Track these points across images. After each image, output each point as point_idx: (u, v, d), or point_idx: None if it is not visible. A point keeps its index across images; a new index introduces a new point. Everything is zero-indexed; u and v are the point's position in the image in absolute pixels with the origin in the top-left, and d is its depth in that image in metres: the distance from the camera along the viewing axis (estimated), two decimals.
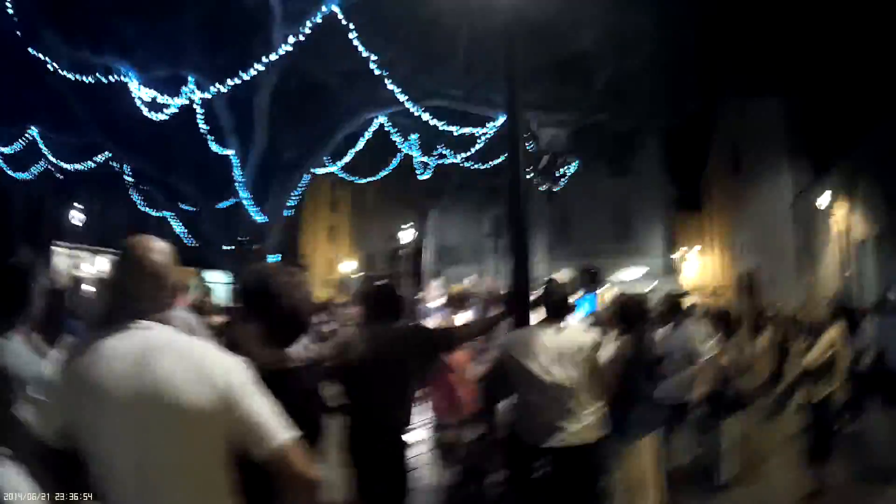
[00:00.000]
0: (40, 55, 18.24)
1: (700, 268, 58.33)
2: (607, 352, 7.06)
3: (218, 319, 9.58)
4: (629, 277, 43.65)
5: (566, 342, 5.25)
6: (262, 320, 3.06)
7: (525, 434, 5.47)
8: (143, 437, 2.35)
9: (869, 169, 26.07)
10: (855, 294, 27.37)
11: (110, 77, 19.28)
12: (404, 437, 5.36)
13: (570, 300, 5.56)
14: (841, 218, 29.12)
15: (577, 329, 5.48)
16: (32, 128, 24.31)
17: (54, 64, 18.52)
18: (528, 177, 7.10)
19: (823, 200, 29.43)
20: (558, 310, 5.44)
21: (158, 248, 2.71)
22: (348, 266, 57.60)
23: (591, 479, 5.51)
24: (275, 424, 2.42)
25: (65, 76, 18.95)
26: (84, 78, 19.13)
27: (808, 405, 7.52)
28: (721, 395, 7.84)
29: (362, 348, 5.06)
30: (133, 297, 2.59)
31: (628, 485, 6.05)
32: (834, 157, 29.67)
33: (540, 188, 8.32)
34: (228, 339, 3.34)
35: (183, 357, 2.43)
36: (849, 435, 9.81)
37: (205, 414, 2.37)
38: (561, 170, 7.63)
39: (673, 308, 8.27)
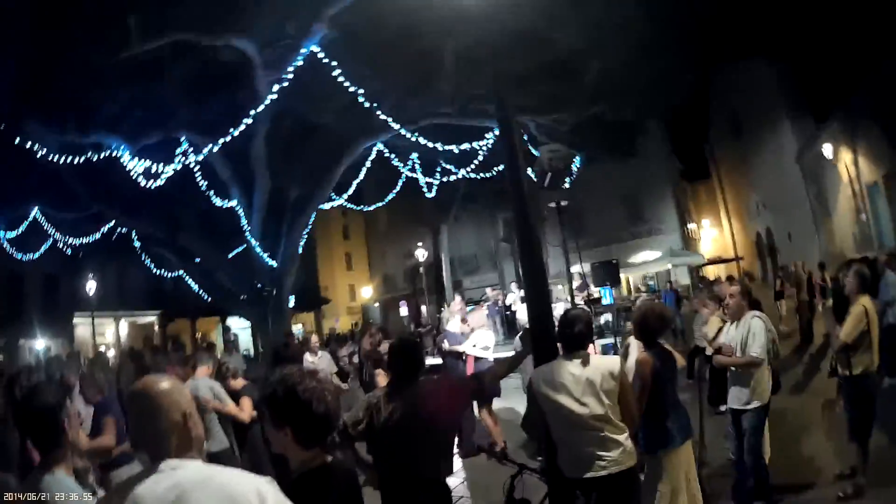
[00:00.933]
0: (27, 144, 18.20)
1: (717, 237, 58.12)
2: (633, 358, 7.10)
3: (241, 383, 9.65)
4: (647, 259, 43.62)
5: (592, 371, 5.25)
6: (294, 426, 3.17)
7: (565, 467, 5.51)
8: None
9: (867, 113, 25.99)
10: (874, 236, 27.44)
11: (101, 154, 19.28)
12: (447, 485, 5.45)
13: (588, 328, 5.49)
14: (847, 164, 29.06)
15: (600, 357, 5.48)
16: (34, 209, 24.44)
17: (43, 150, 18.50)
18: (532, 184, 6.95)
19: (827, 150, 29.32)
20: (578, 341, 5.41)
21: (162, 391, 2.74)
22: (368, 291, 57.85)
23: (635, 501, 5.54)
24: None
25: (56, 160, 18.97)
26: (75, 158, 19.15)
27: (846, 378, 7.41)
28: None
29: (393, 410, 5.14)
30: (151, 442, 2.66)
31: (670, 492, 6.09)
32: (832, 105, 29.57)
33: (549, 204, 8.32)
34: (265, 440, 3.46)
35: (215, 494, 2.48)
36: (885, 391, 9.71)
37: None
38: (566, 179, 7.61)
39: (750, 298, 8.06)
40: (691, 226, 54.11)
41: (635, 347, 8.04)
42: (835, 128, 29.62)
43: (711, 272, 45.86)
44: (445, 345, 13.04)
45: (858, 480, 7.13)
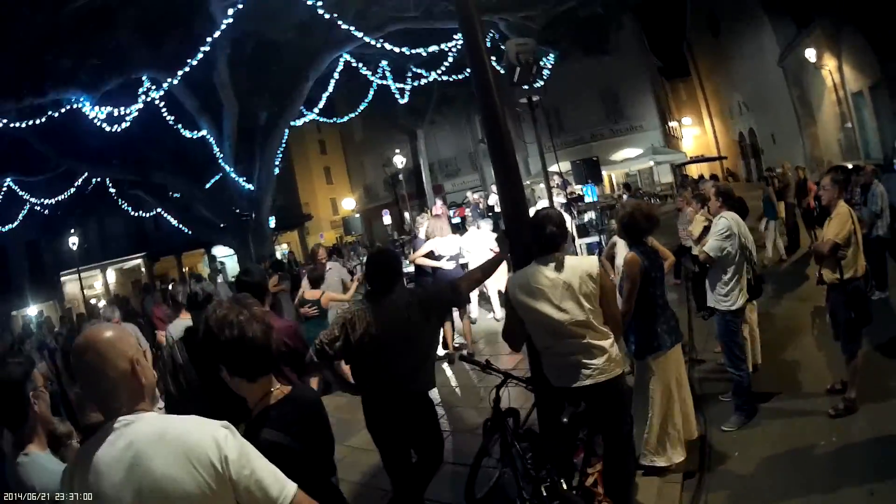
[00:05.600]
0: None
1: (698, 135, 57.82)
2: (621, 257, 6.87)
3: None
4: (628, 156, 43.42)
5: (570, 274, 4.93)
6: (227, 363, 3.03)
7: (550, 376, 5.27)
8: None
9: (851, 20, 25.47)
10: (859, 145, 27.23)
11: (62, 109, 18.75)
12: (430, 397, 5.36)
13: (561, 228, 5.11)
14: (832, 70, 28.65)
15: (577, 258, 5.14)
16: (7, 180, 24.18)
17: (3, 121, 17.95)
18: (501, 80, 6.58)
19: (811, 55, 28.87)
20: (551, 242, 5.06)
21: (104, 342, 2.51)
22: (351, 203, 57.59)
23: (623, 408, 5.35)
24: (278, 485, 2.49)
25: (16, 126, 18.46)
26: (36, 120, 18.63)
27: (834, 285, 7.16)
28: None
29: (370, 324, 4.98)
30: (102, 398, 2.51)
31: (661, 397, 6.07)
32: (812, 9, 28.90)
33: (521, 100, 7.96)
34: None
35: (171, 448, 2.38)
36: (875, 304, 9.52)
37: (209, 498, 2.38)
38: (537, 77, 7.26)
39: (726, 198, 7.78)
40: (672, 123, 53.71)
41: (622, 247, 7.79)
42: (818, 33, 29.05)
43: (694, 170, 45.69)
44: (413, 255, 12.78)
45: (849, 395, 6.95)
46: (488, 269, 5.94)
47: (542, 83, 8.26)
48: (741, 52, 40.66)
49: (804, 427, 6.84)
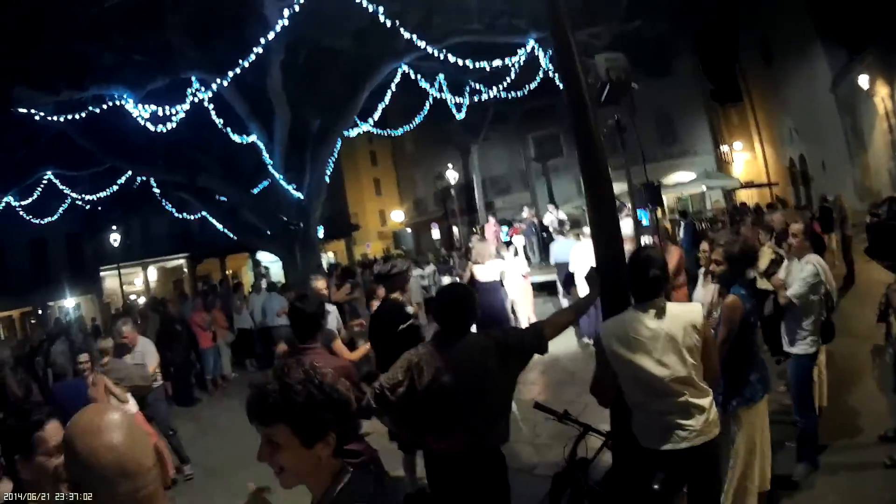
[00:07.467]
0: (22, 111, 17.46)
1: (749, 160, 57.22)
2: (699, 294, 6.35)
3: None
4: (681, 180, 42.98)
5: (672, 325, 4.39)
6: (340, 427, 2.34)
7: (640, 436, 4.71)
8: None
9: None
10: None
11: (104, 105, 18.48)
12: (502, 453, 4.83)
13: (664, 271, 4.55)
14: (884, 98, 28.15)
15: (679, 306, 4.59)
16: (47, 173, 24.04)
17: (40, 114, 17.80)
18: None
19: (863, 82, 28.33)
20: (653, 287, 4.50)
21: (108, 434, 1.93)
22: (399, 216, 57.68)
23: (718, 472, 4.85)
24: None
25: (55, 120, 18.29)
26: (75, 115, 18.43)
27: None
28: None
29: (438, 371, 4.46)
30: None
31: (746, 451, 5.53)
32: (865, 36, 28.55)
33: (609, 121, 7.66)
34: None
35: None
36: None
37: None
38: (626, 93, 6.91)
39: (812, 239, 7.28)
40: (724, 148, 53.11)
41: (708, 286, 7.30)
42: (871, 60, 28.68)
43: (744, 195, 45.19)
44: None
45: None
46: (581, 309, 5.46)
47: (632, 103, 7.90)
48: (793, 78, 40.24)
49: (865, 479, 6.55)
